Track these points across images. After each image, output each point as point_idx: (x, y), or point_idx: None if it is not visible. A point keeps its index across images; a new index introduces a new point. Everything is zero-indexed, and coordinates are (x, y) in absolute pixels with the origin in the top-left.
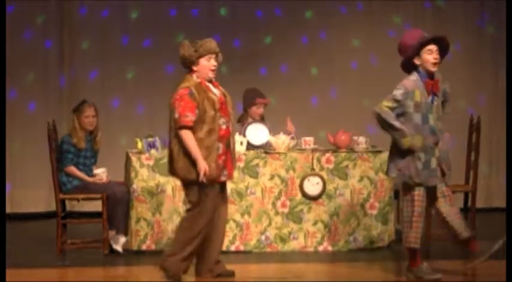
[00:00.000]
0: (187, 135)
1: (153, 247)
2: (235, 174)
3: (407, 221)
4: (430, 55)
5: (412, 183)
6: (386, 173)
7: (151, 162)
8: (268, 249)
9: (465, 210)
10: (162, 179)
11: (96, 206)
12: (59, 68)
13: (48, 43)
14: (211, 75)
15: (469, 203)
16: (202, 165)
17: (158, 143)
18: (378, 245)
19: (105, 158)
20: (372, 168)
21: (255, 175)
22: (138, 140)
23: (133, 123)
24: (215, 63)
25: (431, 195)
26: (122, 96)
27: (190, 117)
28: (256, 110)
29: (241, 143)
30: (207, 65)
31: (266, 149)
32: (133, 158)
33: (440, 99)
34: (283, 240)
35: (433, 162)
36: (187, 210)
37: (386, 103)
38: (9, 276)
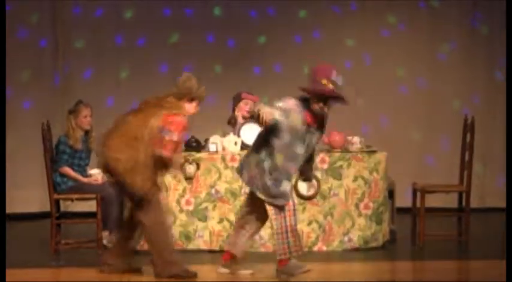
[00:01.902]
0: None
1: (146, 247)
2: (229, 174)
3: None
4: (320, 104)
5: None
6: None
7: None
8: (262, 249)
9: (459, 211)
10: None
11: (89, 206)
12: (53, 67)
13: (42, 42)
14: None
15: (463, 203)
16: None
17: None
18: (372, 245)
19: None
20: (366, 168)
21: None
22: None
23: None
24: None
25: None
26: (115, 95)
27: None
28: (244, 106)
29: (236, 143)
30: (193, 110)
31: None
32: None
33: (317, 135)
34: None
35: (287, 185)
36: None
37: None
38: (8, 276)
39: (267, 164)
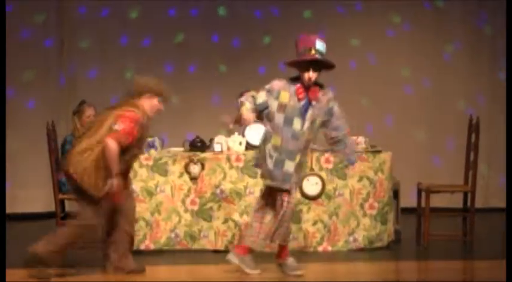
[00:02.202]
0: (116, 151)
1: (152, 247)
2: (234, 174)
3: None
4: (306, 73)
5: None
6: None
7: (150, 162)
8: (268, 249)
9: (464, 211)
10: (161, 179)
11: None
12: (58, 67)
13: (47, 42)
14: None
15: (468, 203)
16: (117, 183)
17: (157, 143)
18: (377, 245)
19: None
20: (371, 168)
21: (254, 175)
22: None
23: None
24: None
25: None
26: (121, 94)
27: (124, 141)
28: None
29: (240, 143)
30: (154, 104)
31: None
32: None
33: (320, 112)
34: None
35: (290, 166)
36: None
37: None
38: (8, 276)
39: (267, 149)
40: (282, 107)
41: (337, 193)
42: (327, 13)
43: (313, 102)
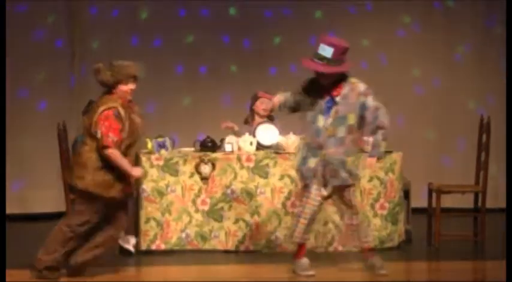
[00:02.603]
0: (116, 154)
1: (163, 247)
2: (245, 174)
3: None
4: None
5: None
6: None
7: (161, 162)
8: (279, 250)
9: (475, 211)
10: (171, 179)
11: None
12: (69, 68)
13: (58, 42)
14: (129, 97)
15: (479, 204)
16: (136, 172)
17: (168, 143)
18: (388, 245)
19: None
20: (382, 168)
21: (264, 175)
22: (148, 140)
23: (144, 122)
24: (132, 87)
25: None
26: (132, 95)
27: (112, 138)
28: (260, 105)
29: (251, 143)
30: (125, 89)
31: (276, 149)
32: (143, 158)
33: (348, 108)
34: None
35: (312, 162)
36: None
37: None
38: (17, 276)
39: (301, 146)
40: (311, 105)
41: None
42: (337, 13)
43: (337, 99)
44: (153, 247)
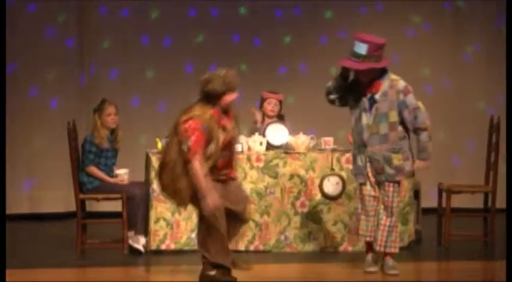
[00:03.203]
0: (199, 173)
1: (172, 247)
2: (255, 174)
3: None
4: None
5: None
6: None
7: None
8: (288, 249)
9: (485, 211)
10: None
11: (115, 206)
12: (79, 67)
13: (69, 42)
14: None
15: (489, 204)
16: (212, 200)
17: None
18: (398, 245)
19: (125, 157)
20: None
21: (274, 175)
22: (158, 140)
23: (153, 123)
24: (235, 96)
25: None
26: (141, 95)
27: (199, 152)
28: (267, 105)
29: (261, 143)
30: (230, 99)
31: (286, 149)
32: (153, 158)
33: (388, 105)
34: (302, 240)
35: (360, 160)
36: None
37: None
38: (28, 276)
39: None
40: (354, 103)
41: (357, 193)
42: (347, 13)
43: (377, 96)
44: (163, 247)
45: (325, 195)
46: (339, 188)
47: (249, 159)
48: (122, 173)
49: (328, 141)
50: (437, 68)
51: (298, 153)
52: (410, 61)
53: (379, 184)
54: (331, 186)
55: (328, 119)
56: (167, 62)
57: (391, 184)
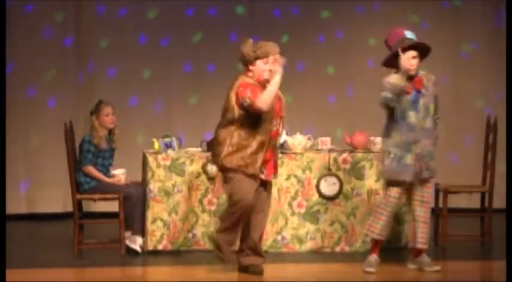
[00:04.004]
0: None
1: (169, 247)
2: None
3: (374, 210)
4: (407, 60)
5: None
6: None
7: (168, 163)
8: (285, 250)
9: (482, 211)
10: (178, 179)
11: (112, 206)
12: (77, 66)
13: (66, 41)
14: (265, 76)
15: (486, 204)
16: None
17: (175, 143)
18: (395, 246)
19: (122, 156)
20: None
21: None
22: (155, 140)
23: (151, 122)
24: (269, 68)
25: (408, 190)
26: (139, 94)
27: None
28: None
29: None
30: (262, 67)
31: (283, 149)
32: (150, 158)
33: (430, 98)
34: (300, 240)
35: (408, 159)
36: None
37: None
38: (25, 276)
39: (387, 145)
40: (396, 102)
41: (354, 193)
42: (345, 13)
43: (423, 91)
44: (160, 247)
45: (322, 196)
46: (336, 188)
47: None
48: (119, 173)
49: (325, 142)
50: (435, 66)
51: (295, 153)
52: None
53: (418, 182)
54: (328, 186)
55: (325, 119)
56: (165, 62)
57: (431, 179)
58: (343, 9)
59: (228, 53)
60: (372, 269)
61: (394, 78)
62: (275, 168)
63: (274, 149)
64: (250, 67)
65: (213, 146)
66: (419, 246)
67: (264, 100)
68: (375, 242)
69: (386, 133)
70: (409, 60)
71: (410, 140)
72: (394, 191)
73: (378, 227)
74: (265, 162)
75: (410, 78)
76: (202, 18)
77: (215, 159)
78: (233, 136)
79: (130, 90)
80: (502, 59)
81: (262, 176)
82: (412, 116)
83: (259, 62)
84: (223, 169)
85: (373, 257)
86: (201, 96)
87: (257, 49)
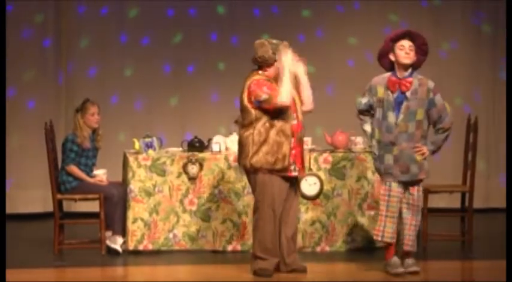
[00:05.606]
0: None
1: (150, 247)
2: (233, 174)
3: (379, 214)
4: (401, 50)
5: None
6: None
7: (148, 163)
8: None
9: (462, 211)
10: (159, 179)
11: (92, 206)
12: (57, 66)
13: (46, 41)
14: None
15: (466, 204)
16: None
17: (156, 143)
18: (376, 245)
19: (103, 155)
20: (370, 168)
21: None
22: (136, 140)
23: (131, 121)
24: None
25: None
26: (120, 93)
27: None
28: None
29: None
30: (277, 65)
31: None
32: (131, 158)
33: (417, 103)
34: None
35: (389, 159)
36: (254, 212)
37: (360, 98)
38: (8, 276)
39: (374, 146)
40: (379, 102)
41: (335, 193)
42: (325, 12)
43: (407, 94)
44: (141, 247)
45: (302, 196)
46: (317, 188)
47: (226, 159)
48: (100, 173)
49: (306, 142)
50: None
51: None
52: None
53: (403, 184)
54: (309, 186)
55: (305, 118)
56: (145, 61)
57: (415, 182)
58: (324, 9)
59: (208, 52)
60: (401, 269)
61: (379, 87)
62: (303, 163)
63: (300, 143)
64: (267, 68)
65: (238, 150)
66: (405, 248)
67: (284, 95)
68: (388, 244)
69: (372, 133)
70: (403, 48)
71: (387, 141)
72: (383, 189)
73: (389, 230)
74: (295, 158)
75: (405, 69)
76: (183, 18)
77: (243, 162)
78: (254, 135)
79: (111, 89)
80: (480, 56)
81: (295, 173)
82: (391, 117)
83: (275, 65)
84: (252, 170)
85: (396, 258)
86: (181, 95)
87: (275, 50)
